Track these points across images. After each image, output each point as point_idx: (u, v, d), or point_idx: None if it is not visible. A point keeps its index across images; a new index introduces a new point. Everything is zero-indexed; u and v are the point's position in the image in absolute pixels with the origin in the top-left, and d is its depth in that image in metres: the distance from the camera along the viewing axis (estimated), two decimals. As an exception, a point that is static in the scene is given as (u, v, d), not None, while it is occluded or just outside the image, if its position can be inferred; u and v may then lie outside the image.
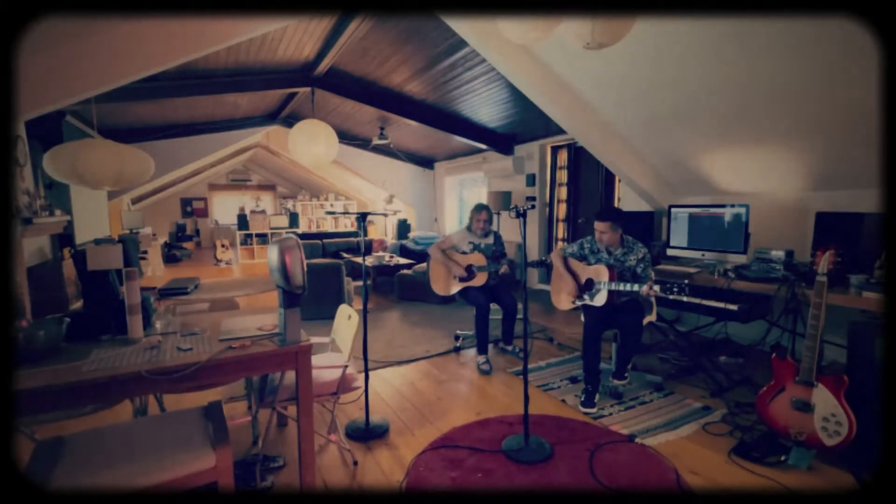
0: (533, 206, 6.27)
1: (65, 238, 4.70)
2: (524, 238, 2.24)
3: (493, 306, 3.63)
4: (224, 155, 8.60)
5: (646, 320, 2.95)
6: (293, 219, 11.10)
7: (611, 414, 2.68)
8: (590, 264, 2.98)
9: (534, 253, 6.47)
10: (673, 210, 3.62)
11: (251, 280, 7.87)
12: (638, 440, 2.38)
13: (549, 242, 6.45)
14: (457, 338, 4.06)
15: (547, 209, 6.39)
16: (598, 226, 2.86)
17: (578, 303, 2.97)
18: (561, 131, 5.25)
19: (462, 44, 3.76)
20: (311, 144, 4.33)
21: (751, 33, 2.35)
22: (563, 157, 6.05)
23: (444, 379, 3.28)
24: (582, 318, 2.96)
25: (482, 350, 3.52)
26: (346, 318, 2.31)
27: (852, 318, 2.33)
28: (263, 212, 11.98)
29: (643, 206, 4.52)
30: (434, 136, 6.95)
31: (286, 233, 5.80)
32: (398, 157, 8.74)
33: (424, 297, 5.65)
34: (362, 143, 7.96)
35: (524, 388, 2.34)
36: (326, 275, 4.97)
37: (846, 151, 2.84)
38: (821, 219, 2.88)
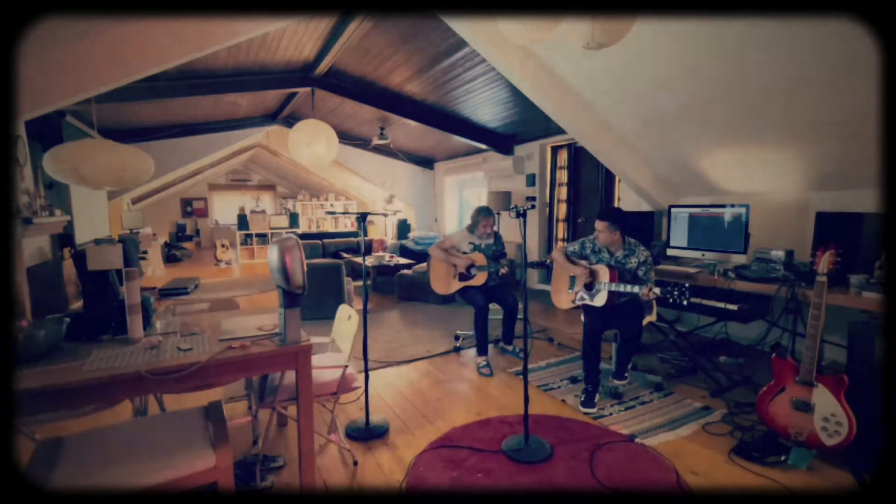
0: (533, 206, 6.27)
1: (65, 238, 4.70)
2: (524, 238, 2.24)
3: (494, 306, 3.63)
4: (224, 155, 8.60)
5: (646, 320, 2.95)
6: (293, 219, 11.09)
7: (611, 414, 2.68)
8: (591, 264, 2.98)
9: (534, 253, 6.47)
10: (673, 210, 3.62)
11: (251, 280, 7.87)
12: (638, 440, 2.38)
13: (549, 242, 6.45)
14: (457, 338, 4.05)
15: (547, 209, 6.39)
16: (597, 224, 2.89)
17: (578, 302, 2.97)
18: (561, 131, 5.25)
19: (462, 44, 3.76)
20: (311, 144, 4.33)
21: (751, 33, 2.35)
22: (563, 157, 6.05)
23: (445, 379, 3.28)
24: (582, 318, 2.96)
25: (482, 351, 3.51)
26: (346, 318, 2.31)
27: (852, 318, 2.33)
28: (263, 212, 11.98)
29: (643, 206, 4.52)
30: (434, 136, 6.95)
31: (286, 233, 5.80)
32: (398, 157, 8.74)
33: (424, 297, 5.64)
34: (362, 143, 7.96)
35: (524, 388, 2.34)
36: (326, 275, 4.97)
37: (846, 151, 2.84)
38: (821, 219, 2.87)
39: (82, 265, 1.90)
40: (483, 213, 3.71)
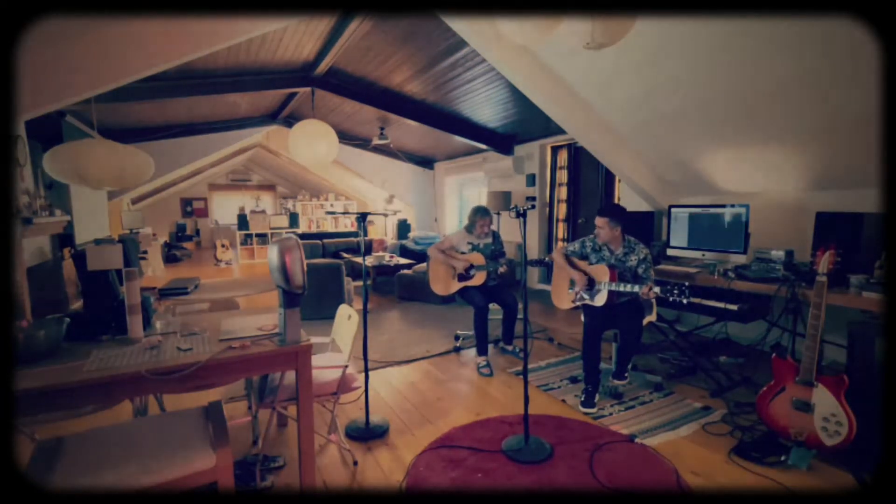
0: (533, 206, 6.28)
1: (65, 238, 4.70)
2: (524, 238, 2.24)
3: (493, 306, 3.63)
4: (224, 155, 8.60)
5: (646, 320, 2.95)
6: (293, 219, 11.09)
7: (611, 414, 2.68)
8: (591, 263, 2.98)
9: (534, 253, 6.47)
10: (673, 210, 3.62)
11: (251, 280, 7.87)
12: (638, 440, 2.38)
13: (549, 242, 6.45)
14: (457, 338, 4.05)
15: (547, 209, 6.39)
16: (597, 221, 2.89)
17: (578, 302, 2.97)
18: (561, 131, 5.25)
19: (462, 44, 3.76)
20: (311, 144, 4.33)
21: (751, 33, 2.35)
22: (563, 157, 6.05)
23: (444, 379, 3.28)
24: (582, 318, 2.96)
25: (482, 351, 3.51)
26: (346, 318, 2.31)
27: (852, 318, 2.33)
28: (263, 212, 11.98)
29: (643, 206, 4.52)
30: (434, 136, 6.95)
31: (286, 233, 5.80)
32: (398, 157, 8.74)
33: (424, 297, 5.64)
34: (362, 143, 7.96)
35: (524, 388, 2.34)
36: (326, 275, 4.97)
37: (846, 151, 2.84)
38: (821, 219, 2.88)
39: (82, 265, 1.89)
40: (480, 213, 3.71)
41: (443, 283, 3.74)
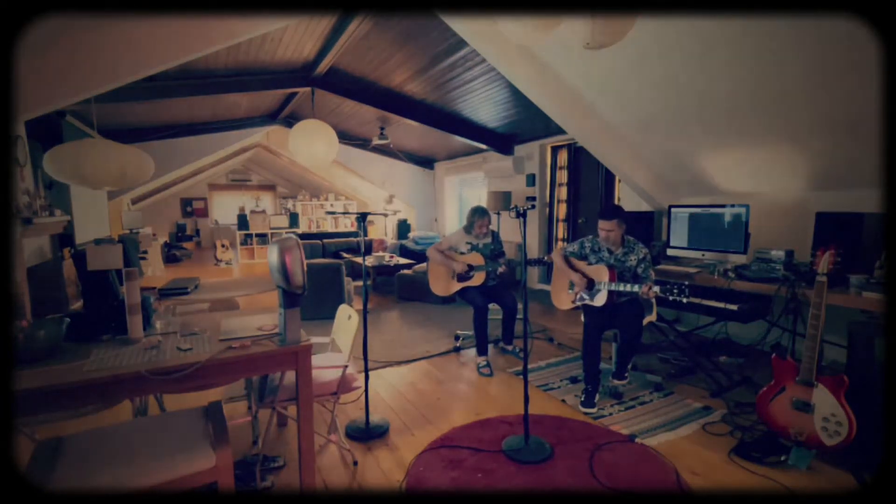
0: (533, 206, 6.27)
1: (65, 238, 4.69)
2: (524, 238, 2.24)
3: (493, 306, 3.63)
4: (224, 155, 8.60)
5: (646, 320, 2.95)
6: (293, 219, 11.09)
7: (611, 414, 2.68)
8: (590, 264, 2.98)
9: (534, 253, 6.47)
10: (673, 210, 3.62)
11: (251, 280, 7.86)
12: (638, 440, 2.38)
13: (549, 242, 6.45)
14: (457, 338, 4.05)
15: (547, 209, 6.39)
16: (604, 224, 2.84)
17: (578, 302, 2.97)
18: (561, 131, 5.25)
19: (462, 44, 3.76)
20: (311, 144, 4.33)
21: (751, 33, 2.35)
22: (563, 157, 6.05)
23: (444, 379, 3.27)
24: (582, 318, 2.96)
25: (482, 351, 3.51)
26: (346, 318, 2.31)
27: (852, 318, 2.33)
28: (263, 212, 11.97)
29: (643, 206, 4.52)
30: (434, 136, 6.95)
31: (286, 233, 5.80)
32: (398, 157, 8.74)
33: (424, 297, 5.64)
34: (362, 143, 7.96)
35: (524, 388, 2.34)
36: (326, 275, 4.97)
37: (846, 151, 2.84)
38: (821, 219, 2.88)
39: (82, 265, 1.90)
40: (478, 214, 3.71)
41: (442, 284, 3.74)
